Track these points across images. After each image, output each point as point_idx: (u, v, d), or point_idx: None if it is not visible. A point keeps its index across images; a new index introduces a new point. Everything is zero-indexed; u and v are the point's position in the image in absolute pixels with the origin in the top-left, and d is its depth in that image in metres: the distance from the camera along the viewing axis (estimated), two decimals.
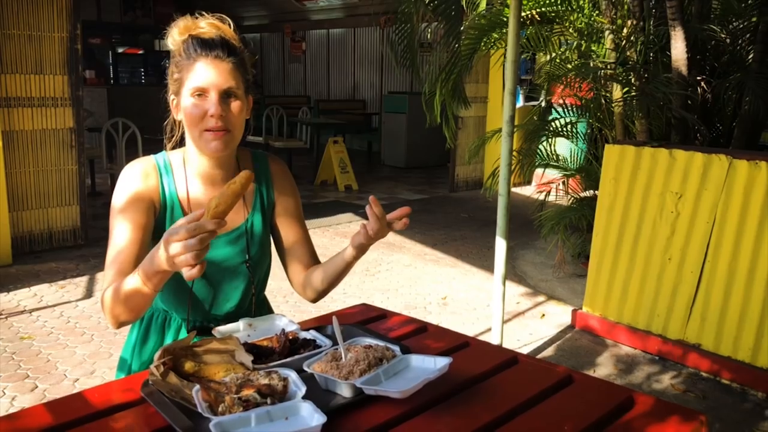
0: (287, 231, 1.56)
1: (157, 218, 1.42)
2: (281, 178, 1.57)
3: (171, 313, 1.50)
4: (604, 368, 3.28)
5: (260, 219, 1.52)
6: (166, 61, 1.44)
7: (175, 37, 1.40)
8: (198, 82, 1.34)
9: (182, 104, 1.37)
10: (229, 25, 1.43)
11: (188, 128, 1.38)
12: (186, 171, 1.46)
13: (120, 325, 1.29)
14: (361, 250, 1.41)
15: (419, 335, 1.43)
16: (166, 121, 1.49)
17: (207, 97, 1.34)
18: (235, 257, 1.48)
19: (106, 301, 1.26)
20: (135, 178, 1.40)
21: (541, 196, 4.76)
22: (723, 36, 4.04)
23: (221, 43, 1.36)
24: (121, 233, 1.35)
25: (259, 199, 1.52)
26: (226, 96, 1.35)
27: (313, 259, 1.59)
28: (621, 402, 1.13)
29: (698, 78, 3.94)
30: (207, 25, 1.40)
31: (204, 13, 1.42)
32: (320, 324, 1.41)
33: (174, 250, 1.03)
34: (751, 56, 3.99)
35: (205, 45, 1.35)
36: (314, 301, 1.57)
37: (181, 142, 1.50)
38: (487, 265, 4.60)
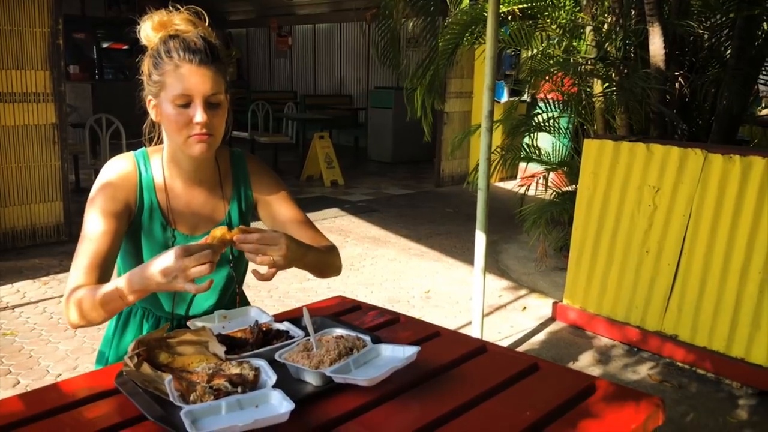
0: (280, 216, 1.53)
1: (134, 217, 1.43)
2: (258, 173, 1.56)
3: (150, 309, 1.52)
4: (583, 359, 3.34)
5: (238, 216, 1.53)
6: (140, 60, 1.40)
7: (148, 32, 1.36)
8: (183, 90, 1.31)
9: (164, 110, 1.35)
10: (205, 19, 1.40)
11: (171, 133, 1.36)
12: (165, 169, 1.46)
13: (78, 327, 1.31)
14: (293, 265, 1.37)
15: (391, 326, 1.46)
16: (145, 124, 1.47)
17: (191, 104, 1.32)
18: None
19: (78, 301, 1.26)
20: (113, 177, 1.40)
21: (523, 191, 4.80)
22: (701, 32, 4.10)
23: (204, 46, 1.33)
24: (94, 228, 1.36)
25: (236, 197, 1.53)
26: (210, 102, 1.33)
27: (319, 239, 1.53)
28: (583, 388, 1.17)
29: (676, 73, 3.99)
30: (182, 21, 1.36)
31: (179, 6, 1.38)
32: (294, 316, 1.44)
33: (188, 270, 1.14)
34: (728, 52, 4.05)
35: (188, 49, 1.32)
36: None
37: (160, 141, 1.49)
38: (471, 259, 4.62)
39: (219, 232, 1.21)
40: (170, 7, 1.38)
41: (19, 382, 2.93)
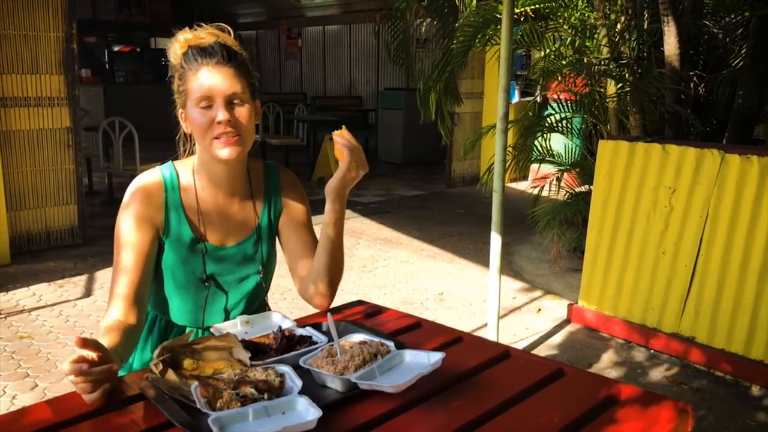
0: (294, 241, 1.55)
1: (161, 236, 1.43)
2: (290, 188, 1.57)
3: (173, 323, 1.52)
4: (599, 362, 3.31)
5: (268, 228, 1.53)
6: (170, 78, 1.43)
7: (176, 51, 1.39)
8: (202, 91, 1.33)
9: (190, 115, 1.37)
10: (229, 32, 1.42)
11: (199, 138, 1.38)
12: (196, 181, 1.45)
13: None
14: (338, 196, 1.43)
15: (413, 331, 1.46)
16: (177, 136, 1.49)
17: (213, 105, 1.34)
18: (247, 266, 1.50)
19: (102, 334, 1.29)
20: (137, 203, 1.40)
21: (536, 192, 4.78)
22: (715, 31, 4.06)
23: (220, 48, 1.35)
24: (122, 261, 1.38)
25: (267, 208, 1.53)
26: (231, 101, 1.35)
27: None
28: (609, 394, 1.15)
29: (691, 73, 3.96)
30: (206, 34, 1.39)
31: (203, 24, 1.41)
32: (316, 321, 1.43)
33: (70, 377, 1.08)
34: (743, 51, 4.01)
35: (204, 53, 1.35)
36: (324, 306, 1.51)
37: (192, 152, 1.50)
38: (484, 261, 4.63)
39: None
40: (195, 26, 1.40)
41: (37, 385, 2.95)
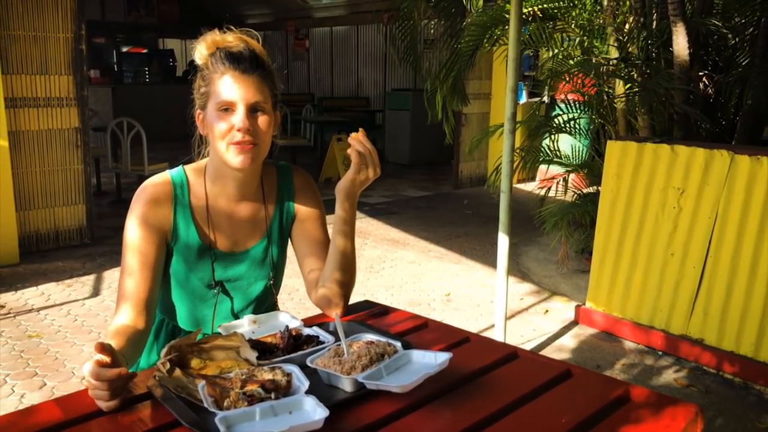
0: (307, 248, 1.53)
1: (170, 243, 1.42)
2: (304, 191, 1.55)
3: (182, 328, 1.52)
4: (607, 363, 3.30)
5: (279, 232, 1.52)
6: (192, 77, 1.42)
7: (202, 51, 1.37)
8: (225, 96, 1.32)
9: (208, 118, 1.36)
10: (258, 39, 1.41)
11: (214, 142, 1.36)
12: (207, 186, 1.44)
13: None
14: (347, 196, 1.42)
15: (420, 331, 1.45)
16: (193, 138, 1.47)
17: (234, 111, 1.33)
18: (256, 272, 1.50)
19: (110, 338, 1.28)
20: (145, 208, 1.38)
21: (544, 193, 4.77)
22: (725, 31, 4.04)
23: (249, 56, 1.34)
24: (130, 266, 1.37)
25: (278, 211, 1.52)
26: (253, 110, 1.34)
27: None
28: (618, 395, 1.15)
29: (700, 73, 3.94)
30: (234, 39, 1.37)
31: (232, 27, 1.40)
32: (323, 320, 1.43)
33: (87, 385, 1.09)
34: (753, 51, 3.98)
35: (233, 58, 1.33)
36: (339, 312, 1.47)
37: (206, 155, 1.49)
38: (491, 262, 4.62)
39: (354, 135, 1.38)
40: (224, 29, 1.39)
41: (45, 384, 2.96)
